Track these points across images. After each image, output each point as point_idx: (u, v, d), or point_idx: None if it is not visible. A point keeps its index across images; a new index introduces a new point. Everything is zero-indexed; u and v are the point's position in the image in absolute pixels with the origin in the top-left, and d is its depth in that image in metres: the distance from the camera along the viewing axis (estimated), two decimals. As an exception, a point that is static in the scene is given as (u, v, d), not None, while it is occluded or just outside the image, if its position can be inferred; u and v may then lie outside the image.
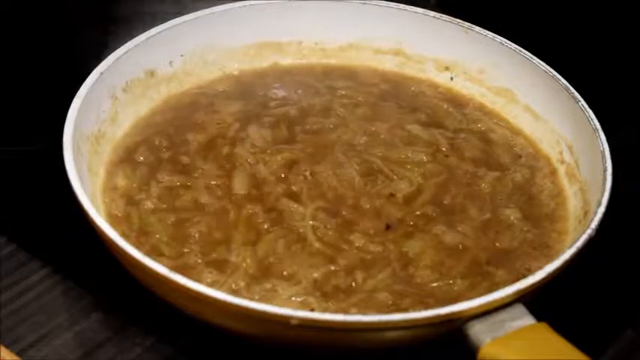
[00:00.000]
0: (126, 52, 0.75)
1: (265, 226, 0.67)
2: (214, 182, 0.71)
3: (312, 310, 0.61)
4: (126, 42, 0.76)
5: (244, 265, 0.64)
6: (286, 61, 0.85)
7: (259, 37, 0.84)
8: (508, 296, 0.56)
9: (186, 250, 0.65)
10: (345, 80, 0.84)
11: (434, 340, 0.58)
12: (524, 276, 0.59)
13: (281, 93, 0.82)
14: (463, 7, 0.84)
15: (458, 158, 0.75)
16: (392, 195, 0.71)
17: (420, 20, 0.83)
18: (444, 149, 0.76)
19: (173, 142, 0.75)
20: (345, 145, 0.75)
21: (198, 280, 0.60)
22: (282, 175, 0.72)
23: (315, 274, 0.64)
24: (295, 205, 0.69)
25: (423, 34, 0.83)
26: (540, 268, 0.59)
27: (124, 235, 0.61)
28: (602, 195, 0.64)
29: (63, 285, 0.67)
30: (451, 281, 0.64)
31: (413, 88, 0.84)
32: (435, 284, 0.64)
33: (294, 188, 0.70)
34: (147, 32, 0.77)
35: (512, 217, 0.70)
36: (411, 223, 0.68)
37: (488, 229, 0.69)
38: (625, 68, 0.91)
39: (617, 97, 0.86)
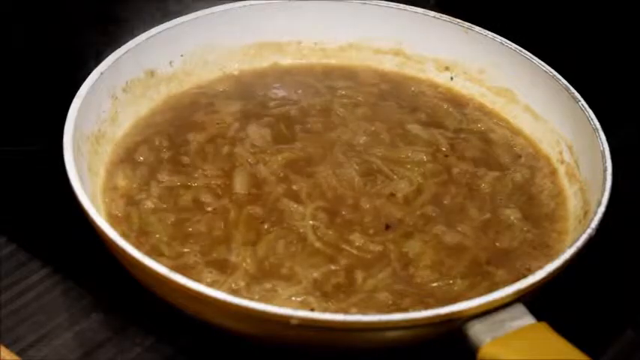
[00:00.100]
0: (126, 52, 0.75)
1: (265, 226, 0.67)
2: (214, 182, 0.71)
3: (312, 309, 0.61)
4: (126, 42, 0.76)
5: (244, 264, 0.64)
6: (286, 61, 0.85)
7: (259, 37, 0.84)
8: (508, 296, 0.56)
9: (186, 250, 0.65)
10: (345, 80, 0.84)
11: (434, 339, 0.58)
12: (525, 276, 0.59)
13: (281, 93, 0.82)
14: (463, 7, 0.84)
15: (458, 158, 0.75)
16: (392, 195, 0.71)
17: (420, 20, 0.83)
18: (443, 149, 0.76)
19: (173, 142, 0.75)
20: (345, 145, 0.75)
21: (198, 280, 0.60)
22: (282, 175, 0.72)
23: (315, 274, 0.64)
24: (295, 205, 0.69)
25: (423, 34, 0.83)
26: (540, 267, 0.59)
27: (124, 235, 0.61)
28: (602, 195, 0.64)
29: (63, 285, 0.67)
30: (451, 281, 0.64)
31: (413, 88, 0.84)
32: (435, 284, 0.64)
33: (294, 188, 0.70)
34: (147, 32, 0.77)
35: (512, 217, 0.70)
36: (411, 223, 0.68)
37: (488, 229, 0.69)
38: (625, 68, 0.91)
39: (617, 97, 0.86)
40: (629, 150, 0.78)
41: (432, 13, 0.83)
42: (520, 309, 0.57)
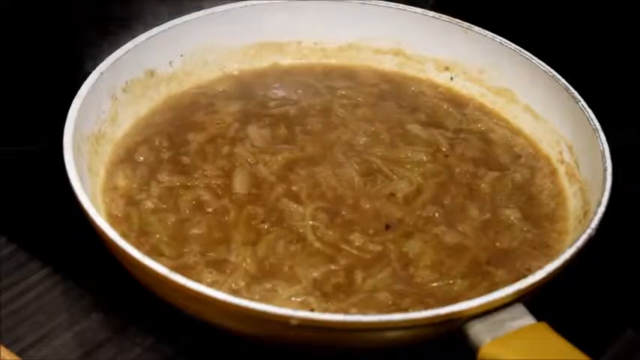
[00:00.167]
0: (126, 52, 0.75)
1: (265, 226, 0.67)
2: (214, 182, 0.71)
3: (312, 310, 0.61)
4: (126, 42, 0.76)
5: (244, 265, 0.64)
6: (286, 61, 0.85)
7: (259, 37, 0.84)
8: (508, 296, 0.56)
9: (186, 250, 0.65)
10: (345, 80, 0.84)
11: (434, 340, 0.58)
12: (525, 276, 0.59)
13: (281, 93, 0.82)
14: (462, 7, 0.84)
15: (458, 158, 0.75)
16: (392, 195, 0.71)
17: (419, 20, 0.83)
18: (443, 149, 0.76)
19: (173, 142, 0.75)
20: (345, 145, 0.75)
21: (198, 280, 0.60)
22: (282, 175, 0.72)
23: (315, 274, 0.64)
24: (295, 205, 0.69)
25: (423, 34, 0.83)
26: (540, 267, 0.59)
27: (124, 235, 0.61)
28: (602, 195, 0.64)
29: (63, 285, 0.67)
30: (451, 281, 0.64)
31: (413, 88, 0.84)
32: (435, 284, 0.64)
33: (294, 188, 0.70)
34: (147, 32, 0.77)
35: (512, 217, 0.70)
36: (411, 222, 0.68)
37: (488, 229, 0.69)
38: (625, 68, 0.91)
39: (617, 97, 0.86)
40: (629, 150, 0.78)
41: (432, 13, 0.83)
42: (520, 309, 0.57)
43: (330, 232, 0.67)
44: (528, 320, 0.56)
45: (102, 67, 0.72)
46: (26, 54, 0.85)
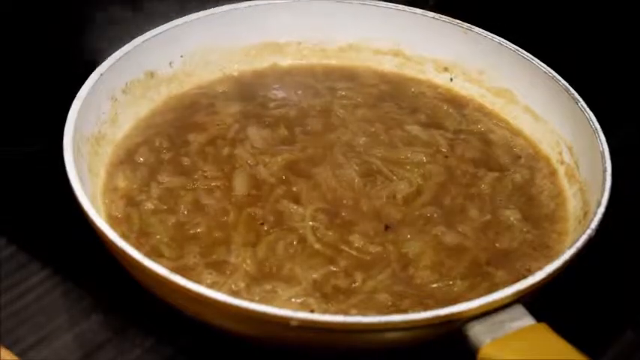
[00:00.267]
0: (126, 53, 0.75)
1: (265, 228, 0.67)
2: (214, 183, 0.71)
3: (312, 311, 0.61)
4: (126, 43, 0.76)
5: (244, 266, 0.64)
6: (286, 61, 0.85)
7: (259, 38, 0.84)
8: (508, 297, 0.57)
9: (186, 251, 0.65)
10: (345, 81, 0.84)
11: (434, 340, 0.58)
12: (524, 277, 0.59)
13: (281, 94, 0.82)
14: (462, 8, 0.84)
15: (457, 159, 0.75)
16: (392, 196, 0.71)
17: (419, 21, 0.83)
18: (443, 150, 0.76)
19: (173, 143, 0.75)
20: (345, 146, 0.75)
21: (199, 282, 0.60)
22: (282, 177, 0.72)
23: (315, 275, 0.64)
24: (295, 206, 0.69)
25: (423, 35, 0.83)
26: (540, 268, 0.59)
27: (124, 236, 0.61)
28: (602, 195, 0.64)
29: (63, 286, 0.67)
30: (451, 282, 0.64)
31: (413, 89, 0.84)
32: (434, 285, 0.64)
33: (293, 189, 0.70)
34: (147, 33, 0.77)
35: (512, 218, 0.70)
36: (411, 223, 0.68)
37: (488, 229, 0.69)
38: (625, 69, 0.91)
39: (617, 98, 0.86)
40: (628, 151, 0.78)
41: (431, 14, 0.83)
42: (520, 310, 0.57)
43: (330, 233, 0.67)
44: (528, 321, 0.56)
45: (102, 68, 0.72)
46: (26, 54, 0.85)
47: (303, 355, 0.61)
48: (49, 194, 0.71)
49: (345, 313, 0.61)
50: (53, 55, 0.84)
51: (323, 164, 0.73)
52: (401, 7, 0.83)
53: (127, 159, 0.73)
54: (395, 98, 0.82)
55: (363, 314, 0.60)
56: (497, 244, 0.68)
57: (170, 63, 0.80)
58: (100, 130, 0.72)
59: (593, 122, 0.70)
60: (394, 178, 0.72)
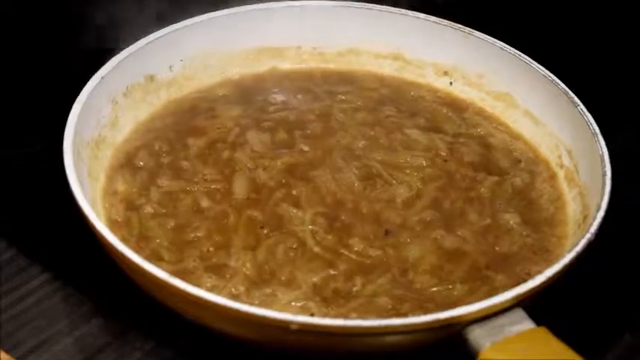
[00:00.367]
0: (126, 56, 0.75)
1: (265, 231, 0.67)
2: (214, 187, 0.71)
3: (312, 315, 0.61)
4: (126, 46, 0.76)
5: (244, 269, 0.64)
6: (285, 65, 0.85)
7: (259, 42, 0.84)
8: (507, 301, 0.57)
9: (185, 255, 0.65)
10: (345, 85, 0.84)
11: (434, 344, 0.58)
12: (524, 280, 0.59)
13: (280, 98, 0.82)
14: (462, 12, 0.84)
15: (457, 163, 0.75)
16: (391, 199, 0.71)
17: (419, 25, 0.83)
18: (443, 154, 0.76)
19: (173, 147, 0.75)
20: (345, 150, 0.75)
21: (198, 285, 0.60)
22: (282, 180, 0.72)
23: (315, 279, 0.64)
24: (295, 210, 0.69)
25: (422, 39, 0.83)
26: (540, 272, 0.59)
27: (123, 240, 0.62)
28: (602, 199, 0.64)
29: (63, 290, 0.67)
30: (450, 286, 0.64)
31: (412, 93, 0.84)
32: (434, 289, 0.64)
33: (293, 193, 0.70)
34: (147, 37, 0.77)
35: (511, 222, 0.70)
36: (411, 227, 0.68)
37: (487, 233, 0.69)
38: (624, 72, 0.91)
39: (616, 102, 0.86)
40: (628, 154, 0.78)
41: (432, 18, 0.83)
42: (519, 314, 0.57)
43: (330, 237, 0.67)
44: (528, 325, 0.56)
45: (102, 71, 0.73)
46: (26, 55, 0.85)
47: (303, 359, 0.61)
48: (49, 196, 0.71)
49: (345, 316, 0.61)
50: (54, 56, 0.84)
51: (322, 168, 0.73)
52: (401, 10, 0.83)
53: (126, 163, 0.73)
54: (394, 102, 0.82)
55: (363, 318, 0.60)
56: (496, 248, 0.68)
57: (170, 67, 0.80)
58: (100, 134, 0.72)
59: (592, 126, 0.70)
60: (394, 181, 0.72)
